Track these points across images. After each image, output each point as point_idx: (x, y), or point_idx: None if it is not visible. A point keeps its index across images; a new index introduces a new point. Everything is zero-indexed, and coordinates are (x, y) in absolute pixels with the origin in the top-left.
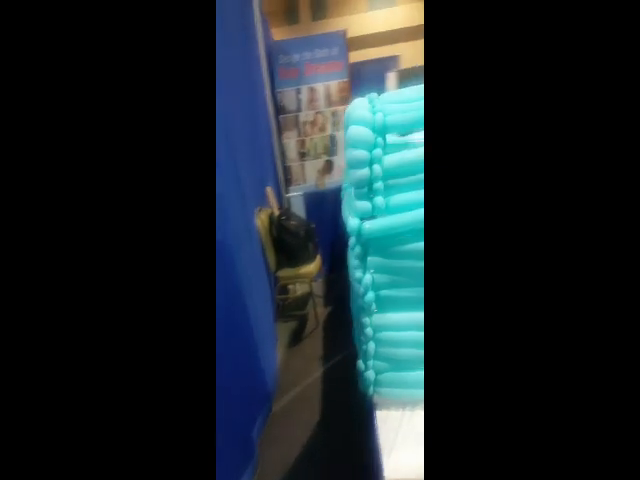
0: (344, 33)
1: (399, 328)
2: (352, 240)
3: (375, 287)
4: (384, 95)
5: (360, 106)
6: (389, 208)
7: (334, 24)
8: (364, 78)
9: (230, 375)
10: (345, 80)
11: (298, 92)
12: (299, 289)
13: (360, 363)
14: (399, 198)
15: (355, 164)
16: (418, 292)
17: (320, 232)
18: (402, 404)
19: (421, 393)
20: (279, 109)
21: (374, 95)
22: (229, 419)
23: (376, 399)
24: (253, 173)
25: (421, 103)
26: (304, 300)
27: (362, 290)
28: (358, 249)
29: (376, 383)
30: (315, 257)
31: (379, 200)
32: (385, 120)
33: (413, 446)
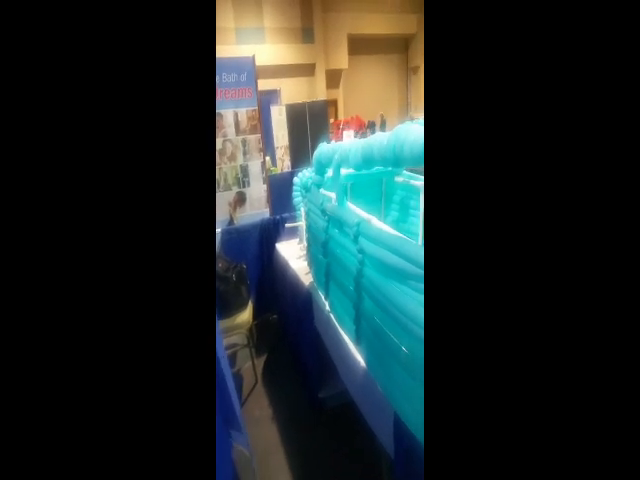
0: (253, 59)
1: None
2: None
3: None
4: None
5: None
6: None
7: None
8: None
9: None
10: (254, 108)
11: None
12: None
13: None
14: None
15: None
16: None
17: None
18: None
19: None
20: None
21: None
22: None
23: None
24: None
25: None
26: (232, 356)
27: None
28: None
29: None
30: (248, 302)
31: None
32: None
33: None
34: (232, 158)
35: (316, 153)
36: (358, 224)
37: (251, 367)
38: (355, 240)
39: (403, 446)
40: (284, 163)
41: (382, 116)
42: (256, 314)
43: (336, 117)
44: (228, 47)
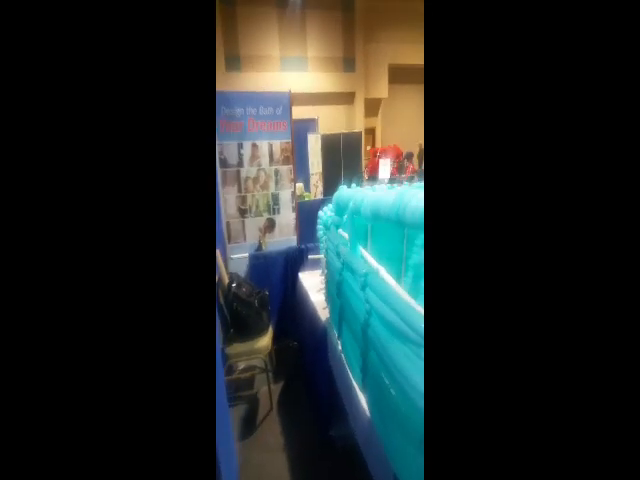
0: (289, 94)
1: None
2: None
3: None
4: None
5: None
6: None
7: (248, 78)
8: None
9: None
10: (288, 141)
11: (240, 147)
12: (241, 364)
13: None
14: None
15: None
16: None
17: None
18: None
19: None
20: (220, 162)
21: None
22: None
23: None
24: None
25: None
26: (251, 377)
27: None
28: None
29: None
30: (269, 328)
31: None
32: None
33: None
34: (265, 186)
35: (336, 195)
36: (366, 275)
37: (267, 392)
38: (363, 289)
39: None
40: (317, 189)
41: (420, 145)
42: (277, 339)
43: (373, 145)
44: (273, 74)
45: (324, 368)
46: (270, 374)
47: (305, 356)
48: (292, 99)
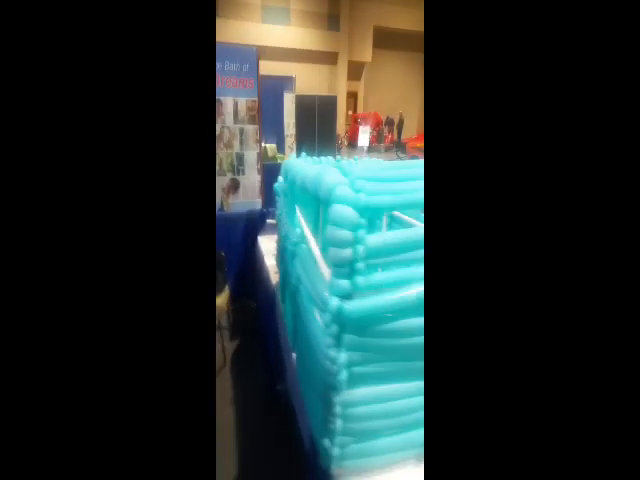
0: (256, 51)
1: (367, 402)
2: (327, 317)
3: (348, 365)
4: (359, 170)
5: (340, 183)
6: (368, 287)
7: (226, 25)
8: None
9: None
10: (254, 99)
11: None
12: None
13: (325, 441)
14: (378, 277)
15: (338, 243)
16: (389, 366)
17: (227, 260)
18: (362, 472)
19: (384, 459)
20: None
21: (346, 166)
22: None
23: (337, 471)
24: None
25: (401, 185)
26: None
27: (335, 369)
28: (334, 328)
29: (340, 457)
30: (224, 289)
31: (360, 280)
32: (368, 201)
33: None
34: (229, 145)
35: (284, 163)
36: (296, 244)
37: (221, 349)
38: (293, 258)
39: (314, 453)
40: (293, 152)
41: (401, 114)
42: (236, 300)
43: (355, 110)
44: (253, 24)
45: (274, 329)
46: (225, 332)
47: (261, 316)
48: (271, 53)
